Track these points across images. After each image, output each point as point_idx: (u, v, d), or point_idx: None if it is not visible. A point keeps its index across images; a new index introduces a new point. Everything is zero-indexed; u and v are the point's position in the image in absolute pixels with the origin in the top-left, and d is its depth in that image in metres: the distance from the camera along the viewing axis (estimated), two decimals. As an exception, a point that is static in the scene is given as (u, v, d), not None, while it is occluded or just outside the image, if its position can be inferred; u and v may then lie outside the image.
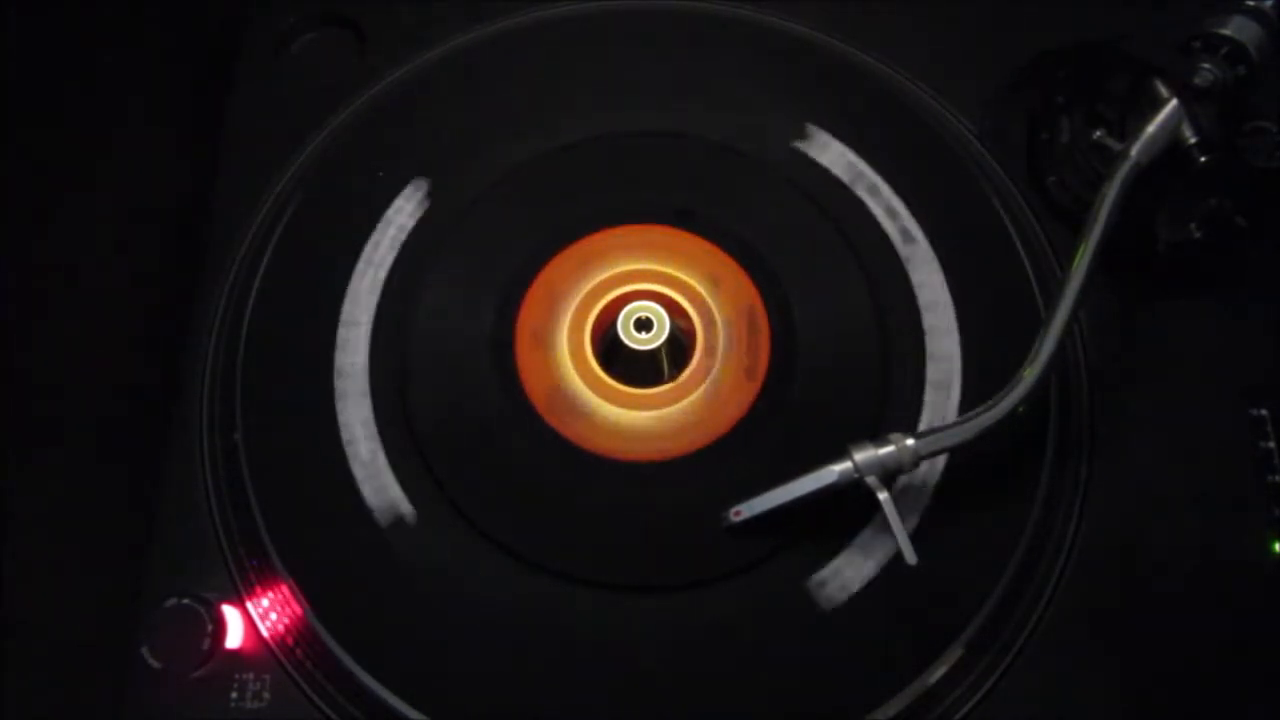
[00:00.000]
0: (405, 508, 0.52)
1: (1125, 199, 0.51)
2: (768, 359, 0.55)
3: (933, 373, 0.54)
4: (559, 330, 0.56)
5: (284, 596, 0.52)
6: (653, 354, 0.56)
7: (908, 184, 0.58)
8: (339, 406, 0.54)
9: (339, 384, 0.55)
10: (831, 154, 0.59)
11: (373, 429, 0.54)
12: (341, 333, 0.56)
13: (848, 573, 0.51)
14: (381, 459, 0.53)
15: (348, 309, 0.56)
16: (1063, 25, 0.62)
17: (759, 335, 0.55)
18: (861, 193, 0.58)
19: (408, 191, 0.58)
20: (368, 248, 0.57)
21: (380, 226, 0.58)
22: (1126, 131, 0.53)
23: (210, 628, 0.51)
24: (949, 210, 0.58)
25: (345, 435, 0.54)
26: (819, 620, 0.50)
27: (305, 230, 0.58)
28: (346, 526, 0.52)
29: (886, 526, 0.48)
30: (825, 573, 0.51)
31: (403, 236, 0.58)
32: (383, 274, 0.57)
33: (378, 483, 0.53)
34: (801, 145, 0.59)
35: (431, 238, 0.57)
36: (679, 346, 0.56)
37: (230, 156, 0.62)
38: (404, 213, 0.58)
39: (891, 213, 0.58)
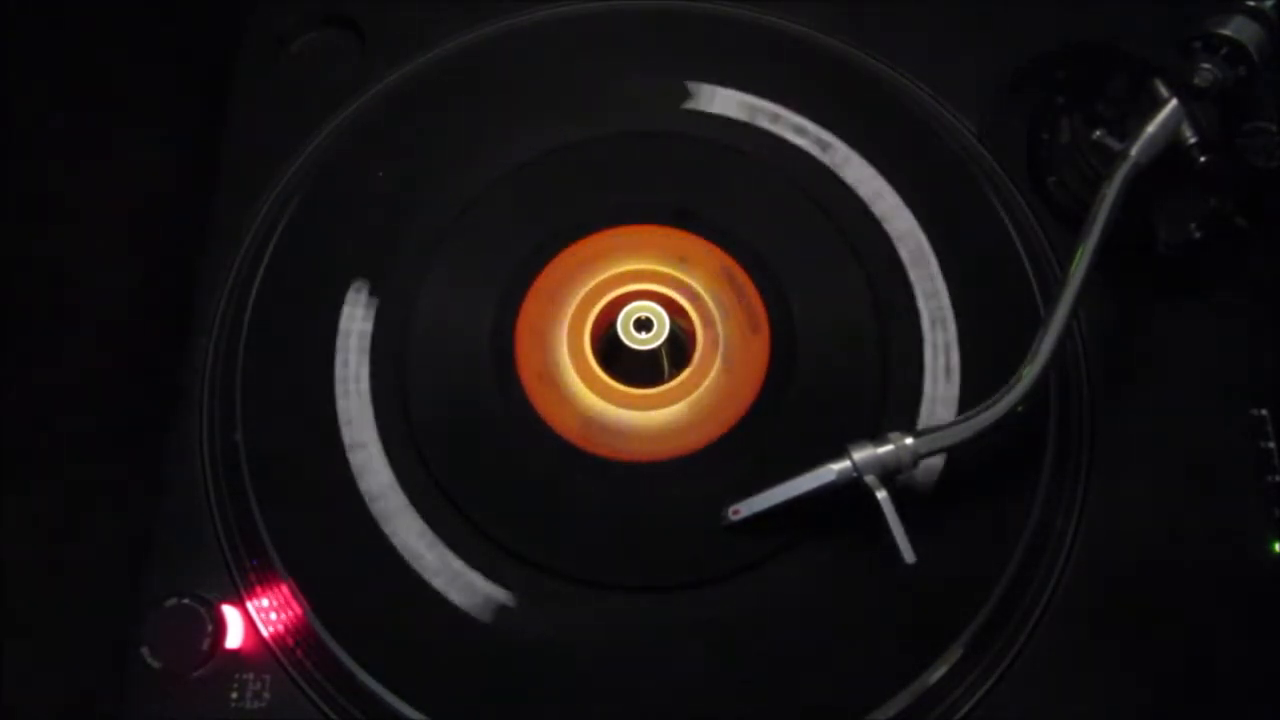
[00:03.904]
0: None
1: (1125, 199, 0.51)
2: (762, 303, 0.55)
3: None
4: (563, 360, 0.55)
5: (284, 596, 0.52)
6: (654, 354, 0.55)
7: (811, 102, 0.59)
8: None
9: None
10: (722, 100, 0.60)
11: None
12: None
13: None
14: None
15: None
16: (1063, 25, 0.62)
17: (743, 287, 0.56)
18: (765, 123, 0.59)
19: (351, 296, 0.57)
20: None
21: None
22: (1126, 131, 0.53)
23: (210, 628, 0.51)
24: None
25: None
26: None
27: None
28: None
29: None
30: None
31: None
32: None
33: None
34: (691, 104, 0.60)
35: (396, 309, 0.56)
36: (676, 344, 0.56)
37: (230, 156, 0.61)
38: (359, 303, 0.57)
39: (799, 129, 0.59)
